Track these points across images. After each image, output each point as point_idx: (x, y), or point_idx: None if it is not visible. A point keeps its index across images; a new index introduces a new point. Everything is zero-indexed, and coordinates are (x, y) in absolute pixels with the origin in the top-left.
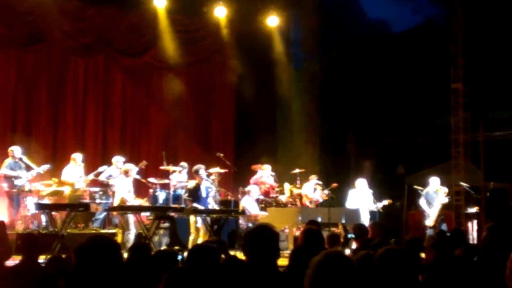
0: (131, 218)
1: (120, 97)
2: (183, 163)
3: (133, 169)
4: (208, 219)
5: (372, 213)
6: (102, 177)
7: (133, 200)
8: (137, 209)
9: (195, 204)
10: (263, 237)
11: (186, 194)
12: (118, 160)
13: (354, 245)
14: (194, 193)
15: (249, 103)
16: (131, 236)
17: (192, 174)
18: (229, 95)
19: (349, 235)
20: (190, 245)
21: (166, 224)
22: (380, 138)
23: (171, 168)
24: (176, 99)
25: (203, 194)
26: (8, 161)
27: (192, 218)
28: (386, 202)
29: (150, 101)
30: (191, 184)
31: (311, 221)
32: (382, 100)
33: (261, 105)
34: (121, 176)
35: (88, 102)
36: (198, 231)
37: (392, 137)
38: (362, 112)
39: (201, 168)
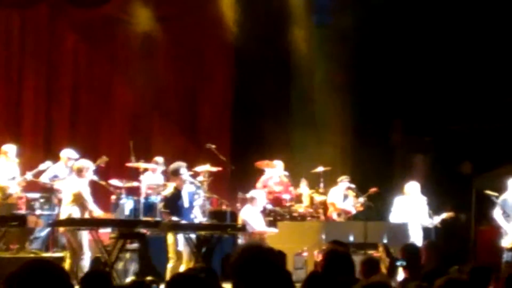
0: (84, 236)
1: (70, 65)
2: (158, 159)
3: (89, 167)
4: (194, 238)
5: (426, 230)
6: (44, 178)
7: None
8: (93, 224)
9: (174, 218)
10: (259, 266)
11: (162, 204)
12: (68, 154)
13: (401, 275)
14: (173, 202)
15: (253, 73)
16: (85, 262)
17: (170, 175)
18: (225, 62)
19: (398, 262)
20: (168, 275)
21: (135, 245)
22: (437, 125)
23: (141, 165)
24: (149, 68)
25: (185, 203)
26: None
27: (170, 237)
28: (446, 214)
29: (113, 70)
30: (169, 189)
31: (335, 240)
32: (442, 73)
33: (270, 77)
34: (72, 176)
35: (25, 72)
36: (179, 256)
37: (456, 123)
38: (414, 89)
39: (181, 166)
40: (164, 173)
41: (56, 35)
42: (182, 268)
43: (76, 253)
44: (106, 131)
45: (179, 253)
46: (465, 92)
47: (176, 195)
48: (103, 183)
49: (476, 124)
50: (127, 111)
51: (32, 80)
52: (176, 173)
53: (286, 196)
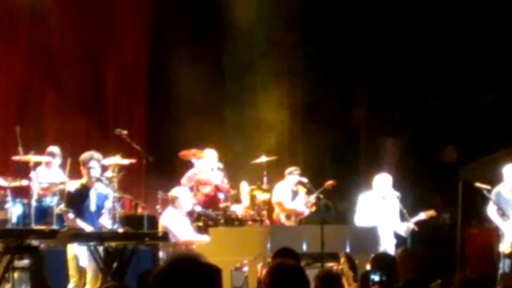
0: None
1: None
2: (54, 148)
3: None
4: (101, 250)
5: (400, 235)
6: None
7: None
8: None
9: (79, 221)
10: (187, 282)
11: (62, 206)
12: None
13: None
14: (77, 202)
15: (174, 37)
16: None
17: (72, 168)
18: (137, 23)
19: (372, 275)
20: None
21: (25, 262)
22: (413, 98)
23: (31, 158)
24: (40, 29)
25: (92, 206)
26: None
27: (70, 250)
28: (425, 214)
29: None
30: (72, 185)
31: (284, 251)
32: (416, 30)
33: (197, 40)
34: None
35: None
36: (82, 274)
37: (435, 96)
38: (381, 50)
39: (92, 157)
40: (63, 167)
41: None
42: None
43: None
44: None
45: (81, 270)
46: (447, 56)
47: (82, 193)
48: None
49: (461, 97)
50: (11, 87)
51: None
52: (84, 165)
53: (220, 195)
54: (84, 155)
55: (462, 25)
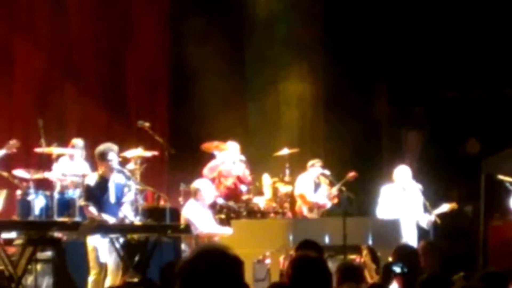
0: None
1: None
2: (77, 141)
3: None
4: (122, 242)
5: (422, 227)
6: None
7: None
8: None
9: (92, 210)
10: (211, 274)
11: (83, 195)
12: None
13: (395, 285)
14: (95, 194)
15: (195, 32)
16: None
17: (95, 161)
18: (159, 17)
19: (394, 267)
20: None
21: (48, 254)
22: (434, 92)
23: (54, 150)
24: (62, 25)
25: (112, 198)
26: None
27: (90, 242)
28: (447, 206)
29: (14, 27)
30: (92, 177)
31: (307, 243)
32: (436, 25)
33: (218, 37)
34: None
35: None
36: (102, 267)
37: (456, 89)
38: (402, 45)
39: (110, 149)
40: (87, 159)
41: None
42: (107, 282)
43: None
44: (6, 106)
45: (101, 262)
46: (466, 49)
47: (101, 185)
48: (4, 174)
49: (483, 90)
50: (33, 81)
51: None
52: (102, 158)
53: (242, 187)
54: (101, 148)
55: (481, 20)
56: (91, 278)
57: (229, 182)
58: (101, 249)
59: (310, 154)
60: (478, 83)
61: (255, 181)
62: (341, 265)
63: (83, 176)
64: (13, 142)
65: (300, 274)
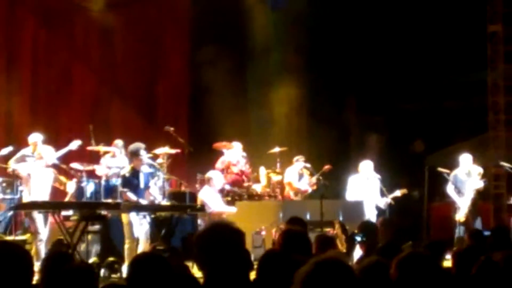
0: (39, 220)
1: (29, 50)
2: (118, 141)
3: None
4: (150, 218)
5: (380, 207)
6: (14, 164)
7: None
8: (54, 207)
9: (131, 195)
10: (221, 242)
11: (121, 185)
12: (36, 138)
13: (357, 251)
14: (128, 182)
15: (209, 57)
16: (41, 247)
17: (130, 156)
18: (182, 47)
19: (356, 237)
20: (125, 256)
21: (96, 227)
22: (392, 103)
23: (101, 148)
24: (108, 53)
25: (141, 184)
26: None
27: (125, 217)
28: (399, 192)
29: (73, 55)
30: (126, 170)
31: (294, 219)
32: (393, 52)
33: (227, 61)
34: (39, 161)
35: None
36: (134, 237)
37: (407, 101)
38: (367, 68)
39: (140, 148)
40: (126, 155)
41: (16, 21)
42: (140, 249)
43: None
44: (66, 115)
45: (134, 234)
46: (416, 71)
47: (134, 174)
48: (64, 166)
49: (429, 103)
50: (86, 95)
51: None
52: (135, 154)
53: (245, 177)
54: (133, 147)
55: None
56: (126, 246)
57: (234, 172)
58: (134, 223)
59: (296, 151)
60: (425, 97)
61: (254, 172)
62: (318, 236)
63: (122, 168)
64: (77, 141)
65: (288, 242)
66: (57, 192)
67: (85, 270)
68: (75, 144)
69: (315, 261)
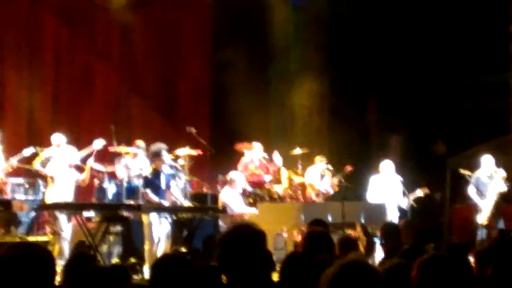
0: (63, 220)
1: (51, 50)
2: (140, 142)
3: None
4: (169, 220)
5: (402, 209)
6: (38, 165)
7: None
8: (76, 208)
9: (153, 196)
10: (244, 243)
11: (143, 186)
12: (60, 139)
13: (379, 253)
14: (150, 182)
15: (231, 57)
16: (65, 246)
17: (151, 157)
18: (203, 46)
19: (375, 239)
20: (146, 257)
21: (118, 228)
22: (412, 104)
23: (122, 149)
24: (129, 52)
25: (163, 185)
26: None
27: (146, 219)
28: (421, 193)
29: (94, 55)
30: (147, 171)
31: (316, 221)
32: (415, 53)
33: (248, 60)
34: (63, 162)
35: (5, 57)
36: (155, 239)
37: (429, 102)
38: (387, 68)
39: (162, 149)
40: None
41: (37, 21)
42: (161, 249)
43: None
44: (88, 116)
45: (154, 235)
46: (437, 71)
47: (155, 175)
48: (85, 167)
49: (450, 104)
50: (107, 96)
51: (13, 65)
52: (156, 155)
53: (266, 178)
54: (155, 148)
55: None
56: (147, 247)
57: (256, 174)
58: (155, 224)
59: (317, 152)
60: (446, 98)
61: (275, 173)
62: (340, 238)
63: (143, 169)
64: (101, 141)
65: (311, 244)
66: (80, 192)
67: (120, 270)
68: (99, 144)
69: (341, 263)
